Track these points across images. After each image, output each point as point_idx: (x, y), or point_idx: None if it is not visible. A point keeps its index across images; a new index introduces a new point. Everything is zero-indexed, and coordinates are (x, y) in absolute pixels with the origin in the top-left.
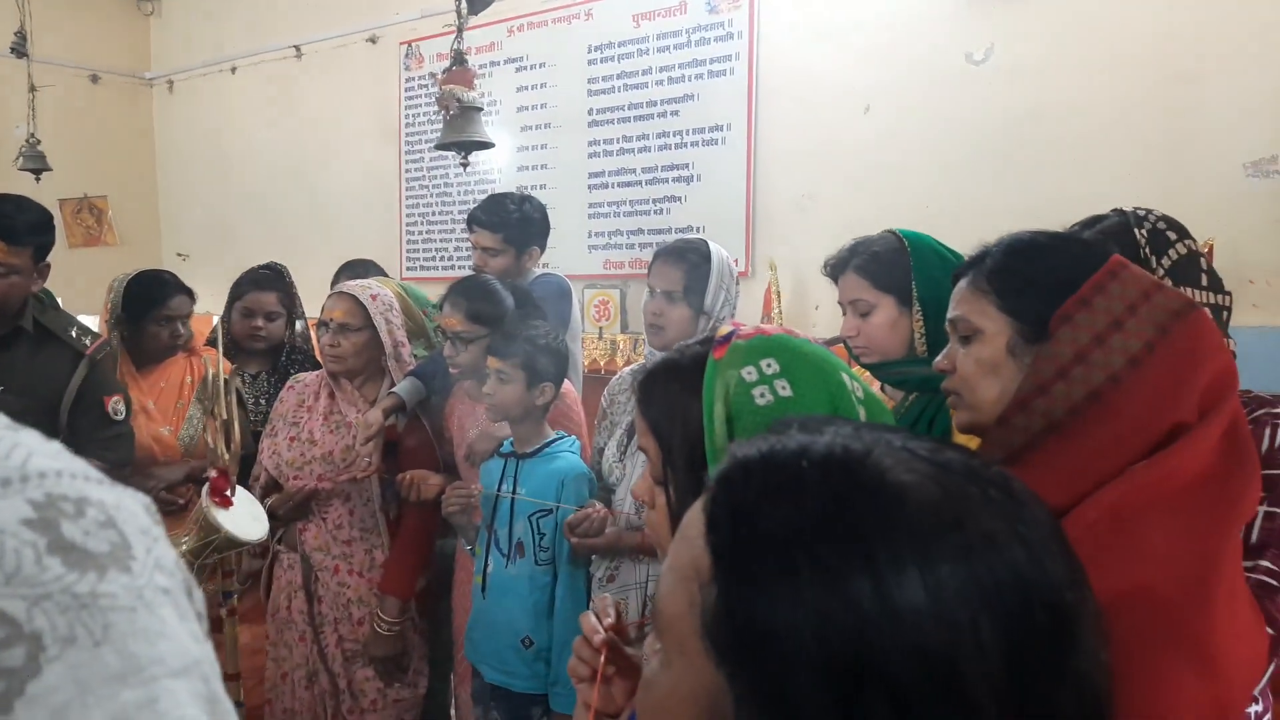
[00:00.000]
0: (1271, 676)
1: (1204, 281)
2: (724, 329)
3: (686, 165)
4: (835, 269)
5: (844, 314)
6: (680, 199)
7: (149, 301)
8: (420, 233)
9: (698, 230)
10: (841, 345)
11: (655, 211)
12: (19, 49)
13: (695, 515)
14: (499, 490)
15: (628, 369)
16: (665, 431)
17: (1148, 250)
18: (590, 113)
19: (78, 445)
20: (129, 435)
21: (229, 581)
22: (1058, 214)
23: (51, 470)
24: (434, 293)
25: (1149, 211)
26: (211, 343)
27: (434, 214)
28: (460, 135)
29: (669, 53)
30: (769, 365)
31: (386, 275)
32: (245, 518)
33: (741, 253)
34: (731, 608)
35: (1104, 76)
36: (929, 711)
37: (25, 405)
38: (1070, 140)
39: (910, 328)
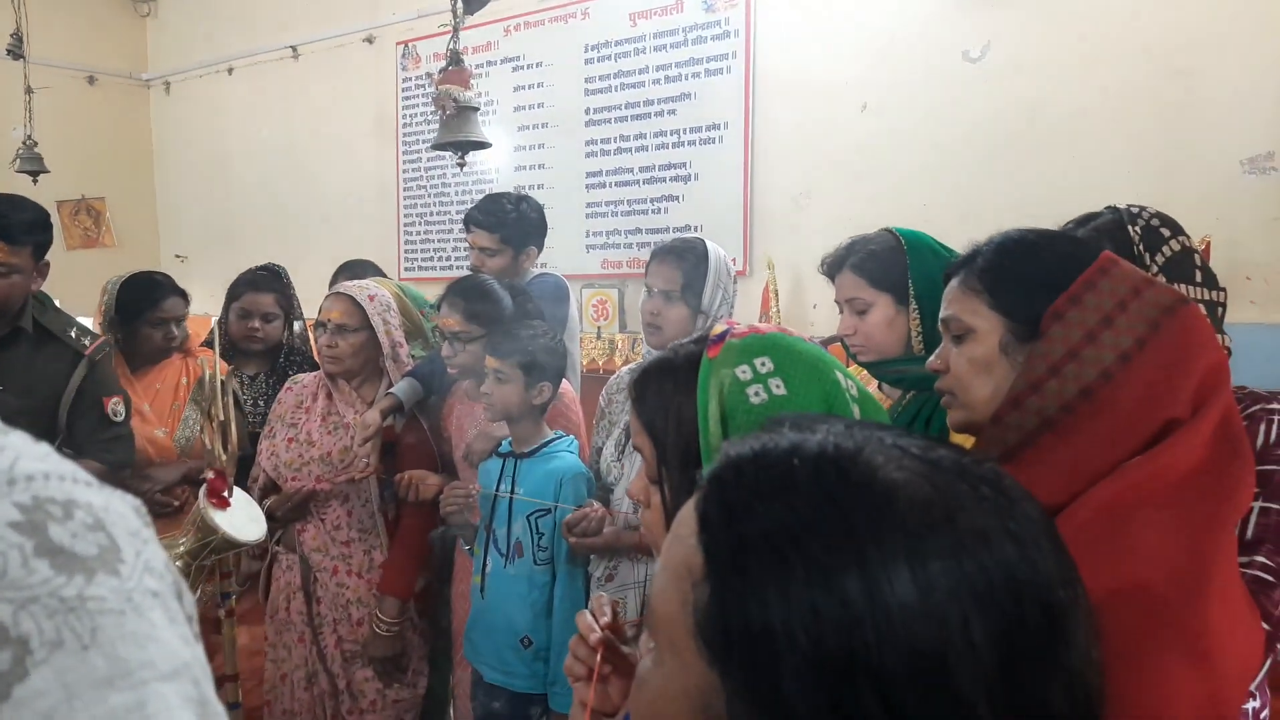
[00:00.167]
0: (1268, 672)
1: (1198, 278)
2: (718, 328)
3: (684, 164)
4: (832, 267)
5: (841, 312)
6: (678, 198)
7: (142, 303)
8: (418, 233)
9: (695, 229)
10: (839, 344)
11: (653, 211)
12: (15, 51)
13: (688, 514)
14: (497, 490)
15: (625, 368)
16: (660, 430)
17: (1141, 247)
18: (587, 112)
19: (77, 446)
20: (129, 437)
21: (227, 583)
22: (1054, 211)
23: (39, 473)
24: (432, 293)
25: (1143, 208)
26: (209, 344)
27: (432, 214)
28: (457, 135)
29: (666, 51)
30: (763, 364)
31: (384, 276)
32: (243, 519)
33: (739, 251)
34: (723, 606)
35: (1101, 73)
36: (920, 708)
37: (24, 405)
38: (1067, 137)
39: (907, 326)
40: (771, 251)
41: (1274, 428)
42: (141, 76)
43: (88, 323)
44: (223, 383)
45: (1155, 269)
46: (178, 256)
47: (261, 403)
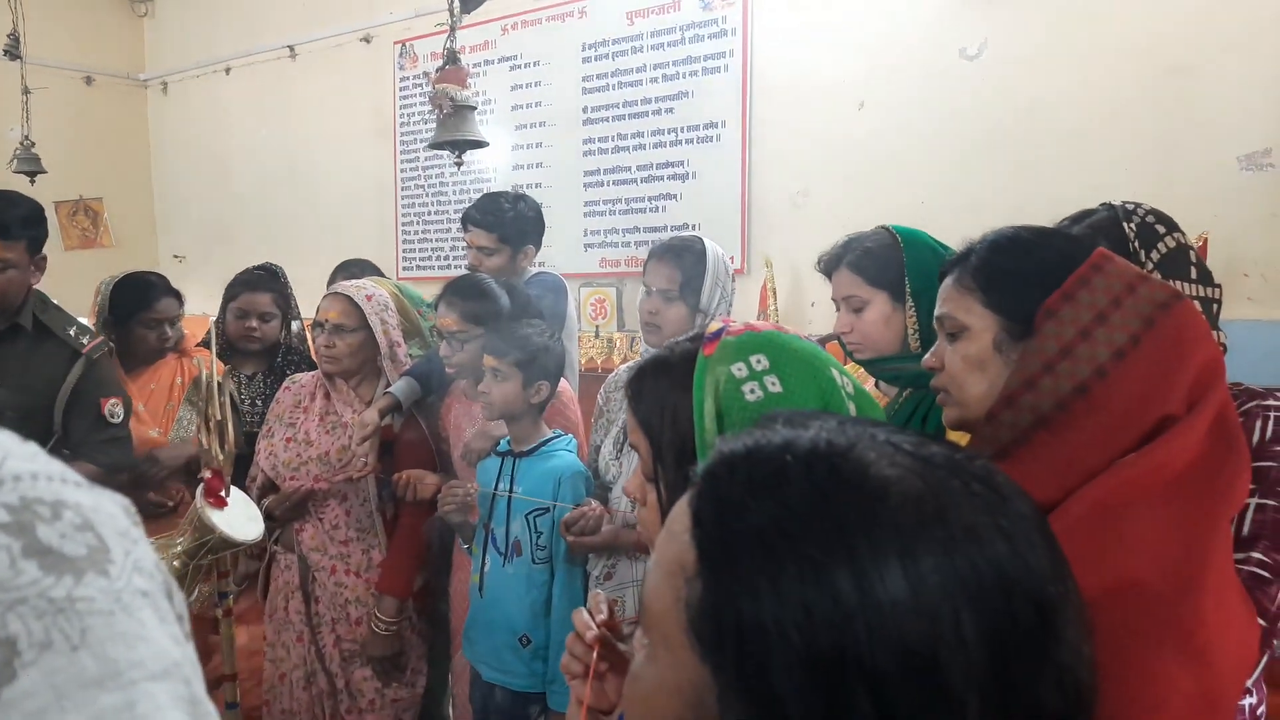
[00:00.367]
0: (1265, 668)
1: (1193, 275)
2: (714, 325)
3: (681, 163)
4: (829, 265)
5: (838, 310)
6: (675, 196)
7: (136, 304)
8: (416, 232)
9: (693, 228)
10: (836, 342)
11: (650, 209)
12: (12, 51)
13: (681, 510)
14: (496, 489)
15: (624, 367)
16: (656, 428)
17: (1137, 244)
18: (585, 111)
19: (72, 446)
20: (126, 439)
21: (225, 582)
22: (1052, 208)
23: (27, 473)
24: (429, 292)
25: (1138, 205)
26: (206, 344)
27: (429, 213)
28: (454, 134)
29: (663, 50)
30: (759, 361)
31: (382, 275)
32: (240, 518)
33: (737, 250)
34: (716, 602)
35: (1098, 70)
36: (910, 704)
37: (19, 403)
38: (1064, 134)
39: (904, 324)
40: (769, 250)
41: (1270, 424)
42: (139, 77)
43: (86, 323)
44: (219, 382)
45: (1150, 266)
46: (176, 257)
47: (259, 402)
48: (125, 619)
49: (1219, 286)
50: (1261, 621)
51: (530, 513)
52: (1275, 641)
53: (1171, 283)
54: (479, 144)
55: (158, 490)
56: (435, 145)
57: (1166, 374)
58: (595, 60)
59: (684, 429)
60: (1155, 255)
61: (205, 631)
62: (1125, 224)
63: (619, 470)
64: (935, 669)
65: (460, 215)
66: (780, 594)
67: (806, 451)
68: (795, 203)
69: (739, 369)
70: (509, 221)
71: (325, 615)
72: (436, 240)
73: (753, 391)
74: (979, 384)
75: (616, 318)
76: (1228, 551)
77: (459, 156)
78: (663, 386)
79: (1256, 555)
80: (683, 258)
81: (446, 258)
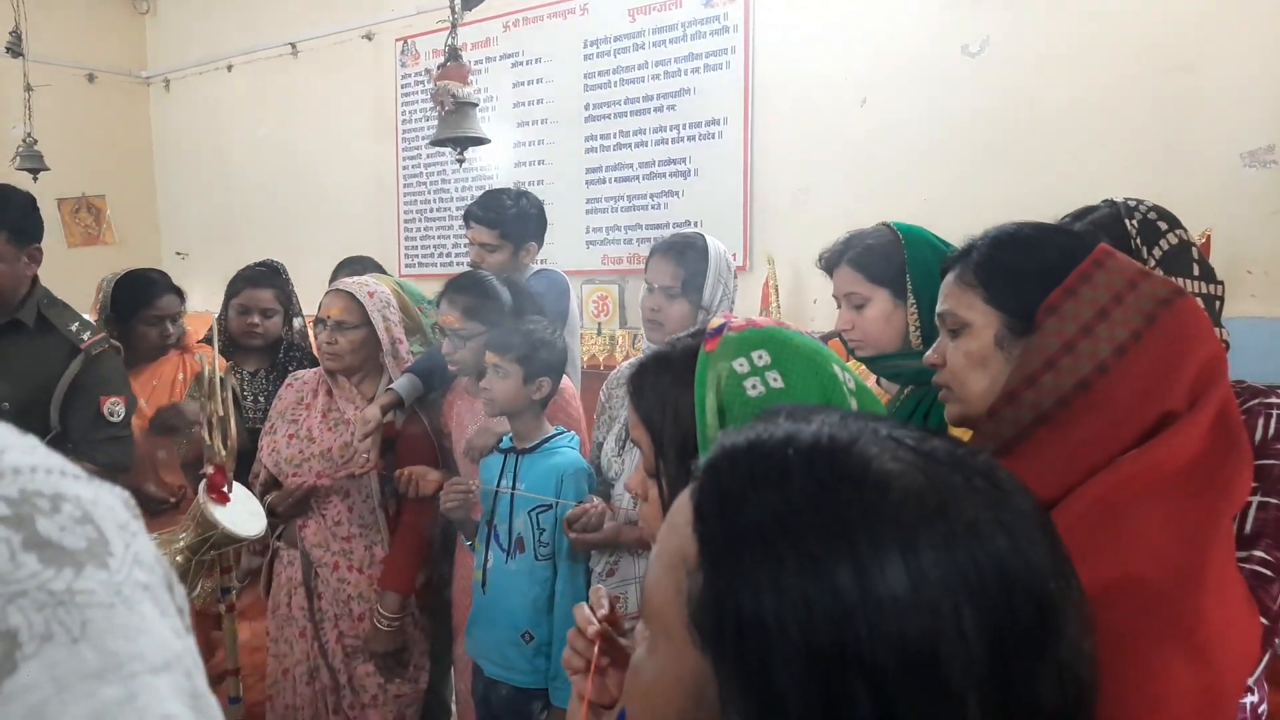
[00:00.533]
0: (1266, 666)
1: (1196, 271)
2: (715, 321)
3: (683, 160)
4: (830, 262)
5: (839, 307)
6: (677, 194)
7: (137, 301)
8: (418, 229)
9: (695, 225)
10: (837, 339)
11: (652, 206)
12: (14, 48)
13: (683, 503)
14: (498, 485)
15: (626, 364)
16: (657, 424)
17: (1139, 241)
18: (587, 108)
19: (70, 444)
20: (127, 439)
21: (228, 578)
22: (1054, 205)
23: (26, 466)
24: (431, 289)
25: (1140, 202)
26: (208, 340)
27: (431, 210)
28: (456, 131)
29: (665, 47)
30: (760, 357)
31: (384, 272)
32: (243, 514)
33: (739, 247)
34: (717, 595)
35: (1101, 67)
36: (910, 699)
37: (16, 398)
38: (1067, 131)
39: (905, 320)
40: (771, 247)
41: (1273, 422)
42: (141, 74)
43: (91, 320)
44: (221, 378)
45: (1152, 263)
46: (178, 254)
47: (262, 399)
48: (125, 612)
49: (1221, 283)
50: (1263, 620)
51: (533, 509)
52: (1277, 640)
53: (1174, 280)
54: (481, 141)
55: (184, 433)
56: (437, 142)
57: (1168, 370)
58: (597, 57)
59: (686, 424)
60: (1157, 252)
61: (208, 627)
62: (1127, 221)
63: (621, 467)
64: (935, 664)
65: (462, 212)
66: (781, 588)
67: (808, 446)
68: (797, 200)
69: (741, 364)
70: (511, 218)
71: (328, 611)
72: (439, 237)
73: (754, 387)
74: (981, 380)
75: (618, 315)
76: (1230, 549)
77: (461, 153)
78: (664, 382)
79: (1258, 554)
80: (685, 255)
81: (448, 255)
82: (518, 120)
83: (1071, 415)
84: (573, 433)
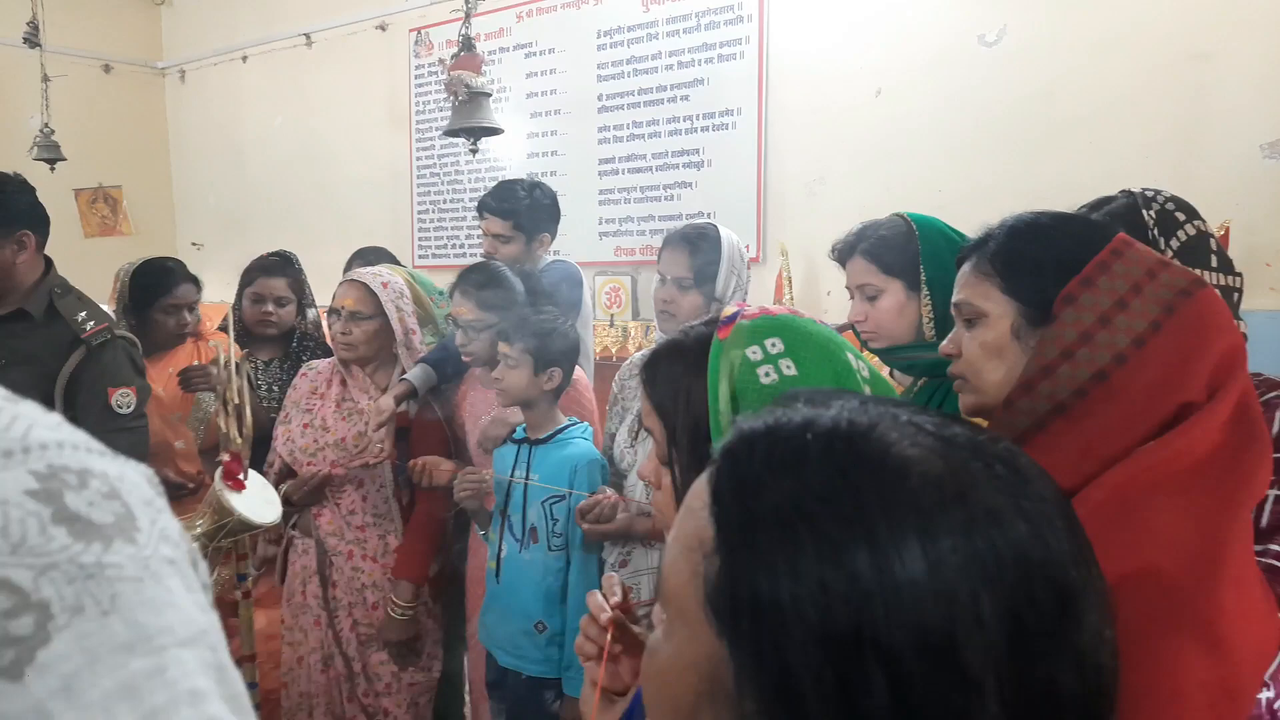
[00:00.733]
0: None
1: (1214, 263)
2: (729, 309)
3: (697, 150)
4: (843, 253)
5: (852, 298)
6: (691, 184)
7: (155, 290)
8: (431, 220)
9: (708, 216)
10: (850, 330)
11: (665, 197)
12: (31, 39)
13: (700, 486)
14: (512, 476)
15: (638, 354)
16: (670, 412)
17: (1156, 232)
18: (600, 98)
19: None
20: (139, 430)
21: (244, 564)
22: (1070, 196)
23: (53, 441)
24: (444, 280)
25: (1157, 192)
26: (223, 329)
27: (445, 201)
28: (469, 121)
29: (678, 37)
30: (774, 345)
31: (398, 263)
32: (258, 501)
33: (752, 238)
34: (733, 577)
35: (1118, 57)
36: (927, 685)
37: (18, 390)
38: (1084, 121)
39: (918, 312)
40: (785, 238)
41: None
42: (157, 65)
43: (108, 310)
44: (238, 366)
45: (1170, 253)
46: (194, 244)
47: (276, 388)
48: (153, 586)
49: (1240, 275)
50: None
51: (546, 500)
52: None
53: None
54: (494, 131)
55: (211, 390)
56: (451, 132)
57: (1187, 361)
58: (610, 47)
59: (698, 412)
60: (1175, 243)
61: (224, 614)
62: (1144, 211)
63: (634, 458)
64: (952, 649)
65: (475, 203)
66: (797, 572)
67: (827, 430)
68: (811, 191)
69: (754, 352)
70: (524, 209)
71: (342, 599)
72: (452, 228)
73: (767, 375)
74: (997, 371)
75: (631, 306)
76: (1248, 541)
77: (474, 144)
78: (677, 370)
79: (1275, 547)
80: (698, 246)
81: (462, 246)
82: (531, 111)
83: (1089, 406)
84: (586, 424)
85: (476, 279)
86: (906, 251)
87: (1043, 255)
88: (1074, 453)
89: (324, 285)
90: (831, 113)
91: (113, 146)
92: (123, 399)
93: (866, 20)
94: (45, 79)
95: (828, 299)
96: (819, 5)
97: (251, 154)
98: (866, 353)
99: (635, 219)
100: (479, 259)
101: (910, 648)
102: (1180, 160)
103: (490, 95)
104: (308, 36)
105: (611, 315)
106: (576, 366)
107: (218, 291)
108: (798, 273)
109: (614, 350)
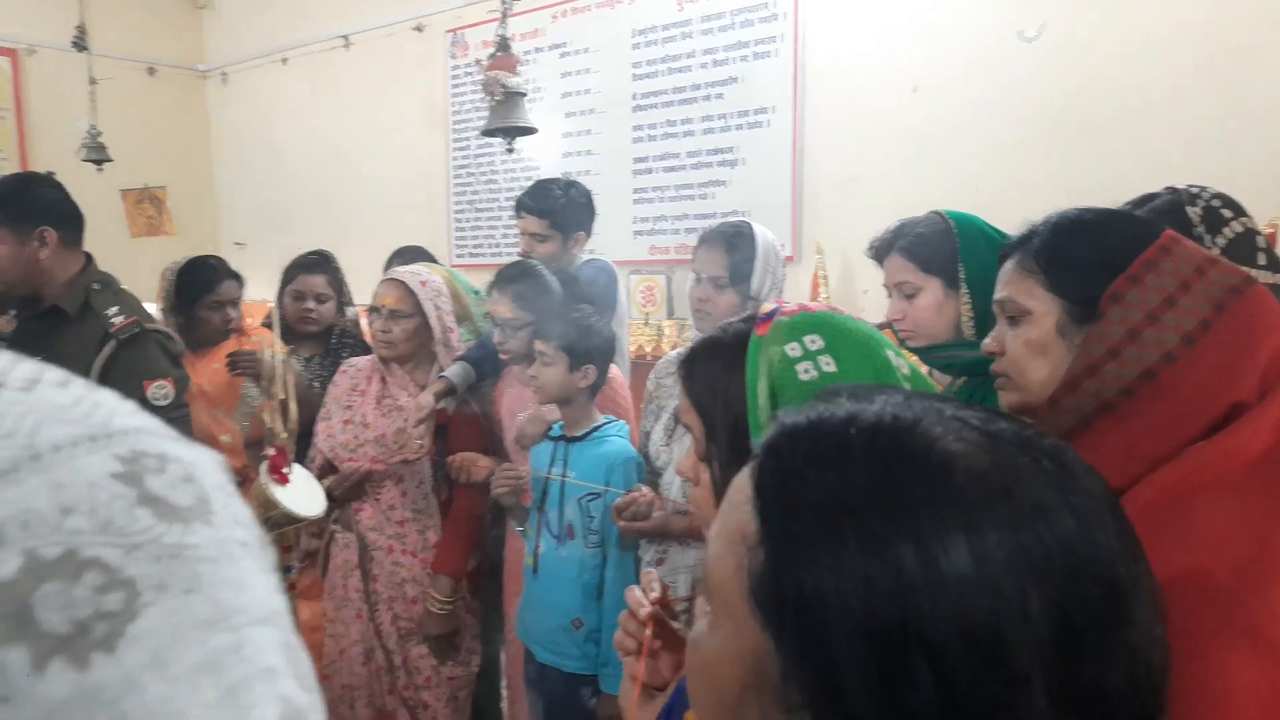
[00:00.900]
0: None
1: (1262, 260)
2: (767, 306)
3: (731, 149)
4: (880, 251)
5: (889, 297)
6: (725, 183)
7: (199, 287)
8: (468, 220)
9: (742, 214)
10: (888, 329)
11: (699, 196)
12: (79, 43)
13: (743, 481)
14: (548, 473)
15: (673, 352)
16: (708, 408)
17: (1202, 229)
18: (634, 97)
19: None
20: (180, 421)
21: (288, 557)
22: (1111, 194)
23: (133, 427)
24: (481, 279)
25: (1203, 189)
26: (267, 326)
27: (481, 201)
28: (506, 121)
29: (713, 35)
30: (813, 341)
31: (435, 262)
32: (303, 495)
33: (787, 237)
34: (777, 572)
35: (1160, 51)
36: (973, 680)
37: None
38: (1126, 117)
39: (957, 310)
40: (820, 236)
41: None
42: (199, 67)
43: (151, 308)
44: (285, 361)
45: (1216, 251)
46: (237, 243)
47: (317, 384)
48: (229, 567)
49: None
50: None
51: (583, 497)
52: None
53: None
54: (529, 130)
55: (259, 374)
56: (488, 132)
57: (1238, 360)
58: (645, 46)
59: (737, 408)
60: (1221, 240)
61: None
62: (1189, 208)
63: (669, 456)
64: (999, 645)
65: (511, 203)
66: (842, 566)
67: (870, 425)
68: (846, 189)
69: (793, 349)
70: (561, 208)
71: (383, 593)
72: (488, 228)
73: (806, 371)
74: (1041, 369)
75: (665, 305)
76: None
77: (510, 143)
78: (715, 367)
79: None
80: (733, 244)
81: (497, 245)
82: (565, 111)
83: (1136, 405)
84: (623, 422)
85: (513, 277)
86: (945, 249)
87: (1088, 252)
88: (1121, 452)
89: (362, 284)
90: (867, 110)
91: (157, 148)
92: (159, 391)
93: (902, 17)
94: (92, 82)
95: (864, 297)
96: (854, 2)
97: (291, 154)
98: (905, 351)
99: (669, 217)
100: (515, 258)
101: (956, 642)
102: (1223, 157)
103: (525, 95)
104: (346, 38)
105: (646, 314)
106: (612, 364)
107: (258, 290)
108: (833, 271)
109: (648, 349)
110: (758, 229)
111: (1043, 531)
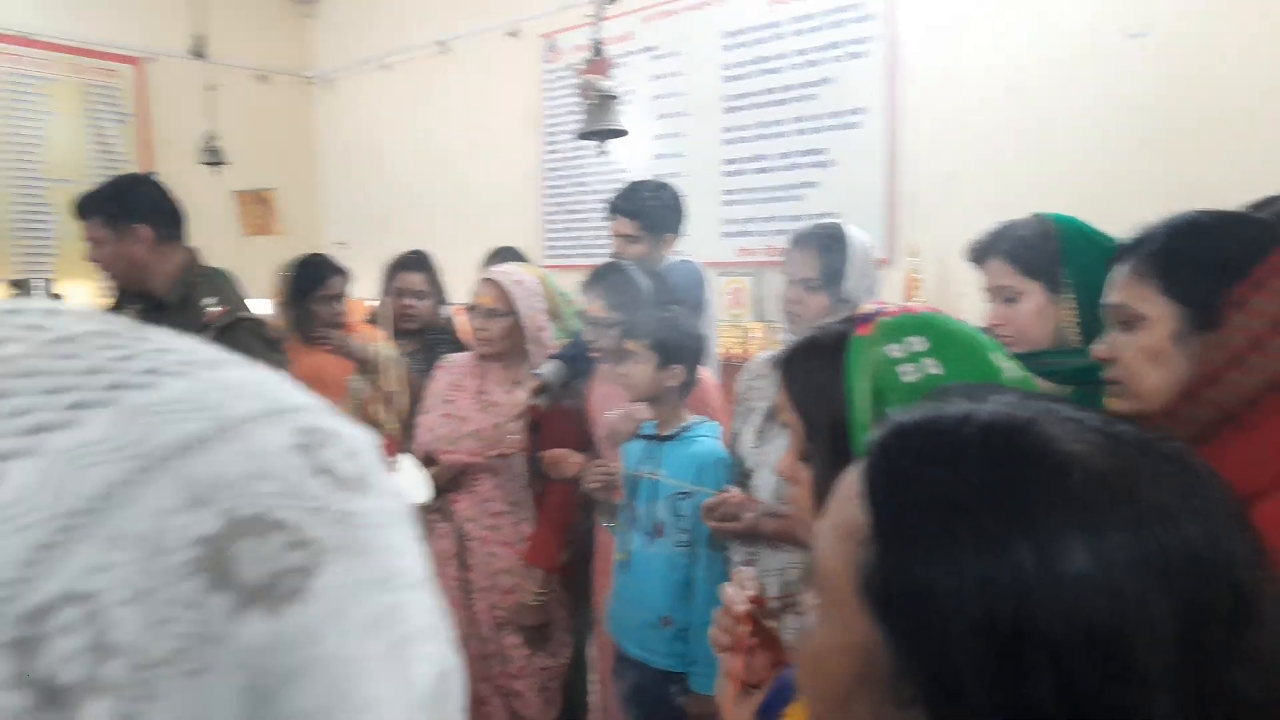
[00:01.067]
0: None
1: None
2: (868, 307)
3: (822, 150)
4: (979, 254)
5: (989, 301)
6: (816, 185)
7: (310, 282)
8: (560, 221)
9: (833, 216)
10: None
11: (789, 198)
12: (198, 51)
13: (853, 476)
14: (639, 471)
15: (762, 354)
16: (808, 407)
17: None
18: (725, 99)
19: None
20: None
21: None
22: (1222, 198)
23: (303, 405)
24: (571, 279)
25: None
26: (373, 322)
27: (572, 203)
28: (600, 124)
29: (804, 36)
30: (917, 343)
31: (529, 263)
32: (409, 482)
33: (880, 238)
34: (889, 567)
35: (1272, 47)
36: (1094, 678)
37: None
38: (1241, 119)
39: (1057, 315)
40: (915, 238)
41: None
42: (307, 74)
43: (266, 304)
44: (394, 356)
45: None
46: (339, 243)
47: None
48: (390, 534)
49: None
50: None
51: (673, 495)
52: None
53: None
54: (620, 133)
55: (364, 362)
56: (584, 135)
57: None
58: (736, 48)
59: (836, 409)
60: None
61: None
62: None
63: (759, 458)
64: (1121, 647)
65: (602, 204)
66: (956, 562)
67: (984, 424)
68: (943, 191)
69: (896, 350)
70: (651, 209)
71: (478, 583)
72: (579, 229)
73: (909, 373)
74: (1155, 376)
75: (752, 307)
76: None
77: (603, 146)
78: (814, 366)
79: None
80: (826, 245)
81: (588, 246)
82: (657, 113)
83: (1261, 416)
84: (715, 423)
85: (605, 278)
86: (1046, 253)
87: (1207, 256)
88: (1244, 464)
89: (457, 284)
90: (964, 110)
91: (267, 151)
92: None
93: (1000, 14)
94: (209, 89)
95: (959, 301)
96: (949, 1)
97: (392, 158)
98: None
99: (758, 219)
100: (605, 258)
101: (1077, 641)
102: None
103: (618, 98)
104: (444, 44)
105: (733, 316)
106: (702, 366)
107: (359, 288)
108: (928, 275)
109: (735, 351)
110: (851, 230)
111: (1165, 535)
